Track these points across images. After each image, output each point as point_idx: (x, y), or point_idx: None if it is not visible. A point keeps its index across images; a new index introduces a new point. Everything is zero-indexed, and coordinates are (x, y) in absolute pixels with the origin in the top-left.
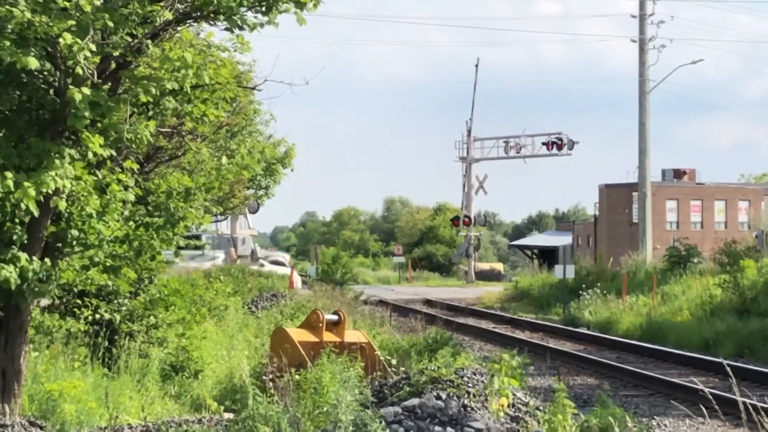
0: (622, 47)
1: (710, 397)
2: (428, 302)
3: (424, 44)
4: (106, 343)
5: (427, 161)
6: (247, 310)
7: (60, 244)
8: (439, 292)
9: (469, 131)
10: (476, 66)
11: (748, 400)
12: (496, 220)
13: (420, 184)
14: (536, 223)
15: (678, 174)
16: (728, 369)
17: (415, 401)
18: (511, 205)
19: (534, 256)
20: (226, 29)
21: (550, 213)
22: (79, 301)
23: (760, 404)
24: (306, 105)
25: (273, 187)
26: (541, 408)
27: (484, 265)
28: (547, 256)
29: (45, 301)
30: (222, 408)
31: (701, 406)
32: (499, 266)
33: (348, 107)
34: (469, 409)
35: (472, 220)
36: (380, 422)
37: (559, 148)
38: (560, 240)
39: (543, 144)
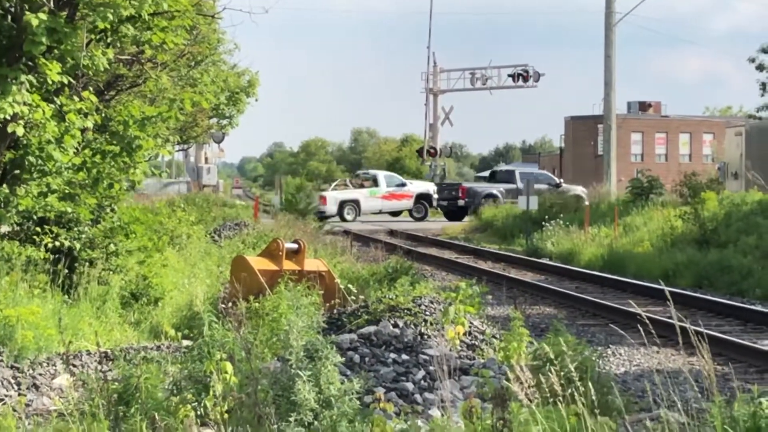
0: None
1: (647, 322)
2: (393, 233)
3: None
4: (66, 271)
5: (394, 92)
6: (210, 239)
7: (18, 171)
8: (404, 222)
9: (435, 62)
10: None
11: (695, 328)
12: (463, 151)
13: (387, 115)
14: (503, 155)
15: (643, 107)
16: (668, 294)
17: (371, 329)
18: (478, 137)
19: None
20: None
21: (517, 145)
22: (39, 229)
23: (706, 332)
24: (273, 35)
25: (237, 117)
26: (498, 336)
27: None
28: None
29: (5, 228)
30: (180, 335)
31: (658, 335)
32: None
33: (316, 38)
34: (425, 336)
35: (438, 151)
36: (332, 348)
37: (525, 80)
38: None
39: (509, 76)
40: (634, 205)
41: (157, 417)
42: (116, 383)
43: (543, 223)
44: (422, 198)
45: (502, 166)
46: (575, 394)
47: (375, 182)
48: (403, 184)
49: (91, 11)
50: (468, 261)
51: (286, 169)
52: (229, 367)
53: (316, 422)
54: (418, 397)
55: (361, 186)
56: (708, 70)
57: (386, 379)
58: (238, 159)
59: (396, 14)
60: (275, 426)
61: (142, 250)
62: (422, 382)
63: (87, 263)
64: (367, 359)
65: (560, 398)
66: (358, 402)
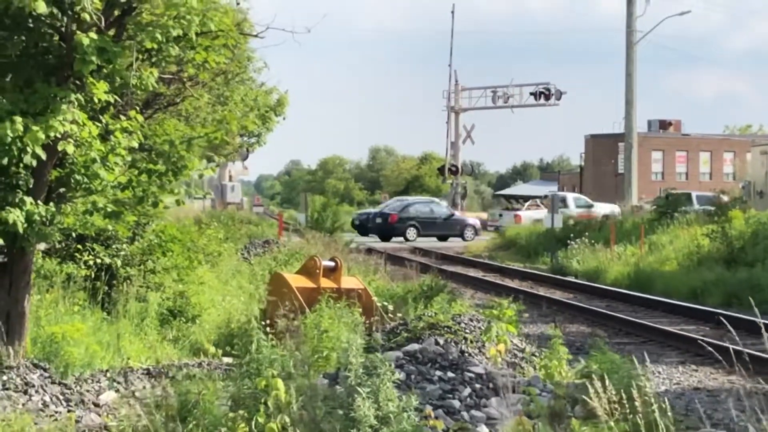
0: None
1: (706, 345)
2: (416, 250)
3: None
4: (105, 288)
5: (412, 111)
6: (240, 256)
7: (63, 189)
8: (426, 240)
9: (456, 80)
10: (452, 12)
11: (744, 350)
12: (480, 169)
13: (405, 133)
14: (521, 173)
15: (664, 125)
16: (723, 320)
17: (416, 346)
18: (496, 155)
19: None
20: None
21: (534, 163)
22: (79, 246)
23: (754, 352)
24: (292, 53)
25: (265, 135)
26: (537, 354)
27: (470, 215)
28: None
29: (43, 245)
30: (221, 352)
31: (695, 354)
32: (485, 216)
33: (334, 56)
34: (467, 354)
35: (459, 170)
36: (390, 365)
37: (547, 98)
38: (545, 190)
39: (531, 94)
40: (659, 224)
41: None
42: (171, 399)
43: (568, 241)
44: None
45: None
46: (656, 411)
47: (564, 203)
48: (591, 206)
49: (139, 31)
50: (495, 279)
51: (304, 186)
52: (280, 384)
53: None
54: (465, 414)
55: None
56: (725, 88)
57: (433, 397)
58: (255, 177)
59: (416, 32)
60: None
61: (178, 268)
62: (468, 399)
63: (125, 280)
64: (413, 376)
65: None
66: (417, 419)
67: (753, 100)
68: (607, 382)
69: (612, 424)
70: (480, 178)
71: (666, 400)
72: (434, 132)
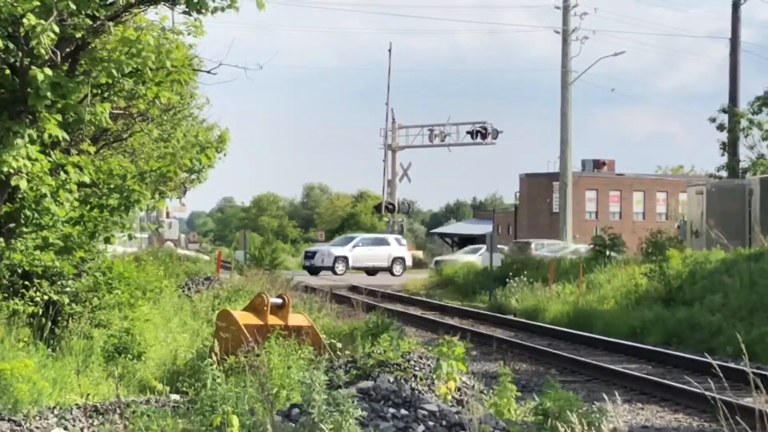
0: (542, 37)
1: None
2: (354, 288)
3: (340, 31)
4: (50, 324)
5: (348, 148)
6: (182, 293)
7: (13, 224)
8: (363, 278)
9: (393, 118)
10: (389, 51)
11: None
12: (414, 208)
13: (340, 171)
14: (454, 212)
15: (598, 165)
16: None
17: (369, 383)
18: (428, 194)
19: (454, 244)
20: (185, 12)
21: (467, 201)
22: (27, 282)
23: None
24: (225, 90)
25: (206, 171)
26: (485, 391)
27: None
28: (468, 244)
29: None
30: (168, 389)
31: (640, 392)
32: (419, 254)
33: (268, 93)
34: (416, 392)
35: (396, 207)
36: (353, 402)
37: (483, 137)
38: (480, 228)
39: (467, 133)
40: (597, 263)
41: None
42: None
43: (507, 279)
44: None
45: None
46: None
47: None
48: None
49: (93, 66)
50: (435, 317)
51: (238, 224)
52: (235, 420)
53: None
54: None
55: None
56: (656, 128)
57: None
58: (188, 214)
59: (344, 70)
60: None
61: (125, 305)
62: None
63: (70, 317)
64: (367, 413)
65: None
66: None
67: (684, 140)
68: (575, 418)
69: None
70: (413, 216)
71: None
72: (370, 170)
